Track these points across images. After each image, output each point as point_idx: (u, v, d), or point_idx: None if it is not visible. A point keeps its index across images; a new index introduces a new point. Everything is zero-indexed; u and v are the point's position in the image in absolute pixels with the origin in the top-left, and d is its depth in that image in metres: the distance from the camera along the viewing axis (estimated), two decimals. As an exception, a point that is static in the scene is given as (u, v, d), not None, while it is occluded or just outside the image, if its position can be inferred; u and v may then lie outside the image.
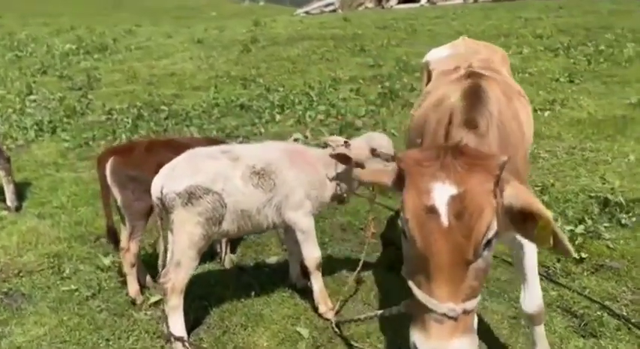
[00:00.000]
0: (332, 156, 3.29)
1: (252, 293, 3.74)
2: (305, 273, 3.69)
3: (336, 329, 3.31)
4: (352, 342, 3.19)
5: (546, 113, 7.27)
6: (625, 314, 3.26)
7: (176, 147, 3.77)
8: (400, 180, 1.76)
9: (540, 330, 2.70)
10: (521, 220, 1.67)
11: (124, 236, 3.70)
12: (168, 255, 3.12)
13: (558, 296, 3.54)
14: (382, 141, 3.46)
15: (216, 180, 3.01)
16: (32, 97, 9.58)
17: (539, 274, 3.48)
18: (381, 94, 8.59)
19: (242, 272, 4.07)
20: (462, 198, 1.57)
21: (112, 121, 8.18)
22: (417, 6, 25.15)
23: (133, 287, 3.69)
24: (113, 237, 3.77)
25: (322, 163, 3.43)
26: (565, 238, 1.64)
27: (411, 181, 1.67)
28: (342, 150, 3.31)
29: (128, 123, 8.00)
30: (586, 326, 3.21)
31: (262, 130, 7.29)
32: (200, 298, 3.73)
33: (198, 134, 7.29)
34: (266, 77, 10.52)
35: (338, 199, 3.55)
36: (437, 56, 3.28)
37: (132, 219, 3.57)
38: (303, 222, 3.36)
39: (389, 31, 14.25)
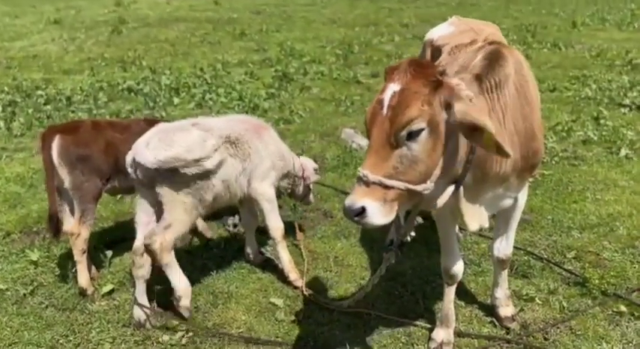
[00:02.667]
0: None
1: (212, 274, 3.68)
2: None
3: (309, 294, 3.42)
4: (326, 304, 3.33)
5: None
6: (545, 256, 3.85)
7: (120, 128, 3.59)
8: None
9: (505, 273, 3.13)
10: (472, 130, 2.04)
11: (69, 221, 3.39)
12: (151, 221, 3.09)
13: (488, 247, 4.04)
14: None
15: (193, 150, 2.95)
16: None
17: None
18: (276, 78, 8.69)
19: (192, 255, 3.96)
20: (399, 94, 2.00)
21: (-23, 108, 7.16)
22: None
23: (83, 276, 3.40)
24: (55, 224, 3.40)
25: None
26: (505, 145, 2.02)
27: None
28: None
29: (-1, 109, 7.08)
30: (517, 269, 3.73)
31: (163, 114, 6.96)
32: (155, 283, 3.57)
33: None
34: (147, 59, 9.96)
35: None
36: (442, 33, 3.41)
37: (82, 202, 3.34)
38: (268, 192, 3.45)
39: (264, 17, 14.31)
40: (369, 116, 2.08)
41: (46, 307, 3.33)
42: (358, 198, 1.97)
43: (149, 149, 2.92)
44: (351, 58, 10.05)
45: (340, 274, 3.69)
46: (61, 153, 3.29)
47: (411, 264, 3.73)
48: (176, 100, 7.53)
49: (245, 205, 3.72)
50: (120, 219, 4.44)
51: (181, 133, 3.03)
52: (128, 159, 3.01)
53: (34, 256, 3.77)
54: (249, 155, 3.28)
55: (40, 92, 7.73)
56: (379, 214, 1.99)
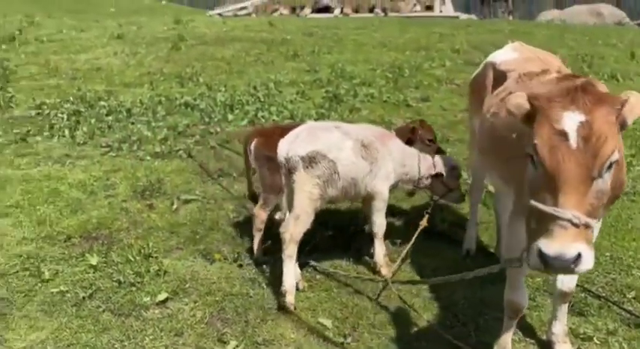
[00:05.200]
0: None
1: (262, 289, 3.73)
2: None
3: (392, 287, 3.60)
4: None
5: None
6: (604, 295, 3.71)
7: None
8: (529, 117, 2.06)
9: (566, 308, 3.04)
10: None
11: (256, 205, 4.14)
12: (286, 209, 3.71)
13: (544, 281, 3.93)
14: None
15: (331, 149, 3.52)
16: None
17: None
18: (326, 98, 8.81)
19: (243, 268, 4.02)
20: (590, 125, 1.88)
21: (44, 116, 7.55)
22: (331, 16, 25.93)
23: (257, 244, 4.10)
24: (253, 199, 4.42)
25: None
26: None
27: (543, 113, 1.99)
28: None
29: (63, 118, 7.44)
30: (573, 306, 3.61)
31: (218, 129, 7.14)
32: (207, 294, 3.65)
33: (147, 131, 6.97)
34: (203, 76, 10.28)
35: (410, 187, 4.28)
36: (505, 58, 3.44)
37: (265, 191, 4.06)
38: (385, 192, 3.92)
39: (316, 39, 14.53)
40: (547, 152, 1.92)
41: (103, 311, 3.45)
42: (571, 244, 1.81)
43: (297, 141, 3.53)
44: (401, 81, 10.07)
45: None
46: (255, 152, 4.07)
47: (464, 294, 3.67)
48: (230, 117, 7.71)
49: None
50: (175, 229, 4.56)
51: (325, 132, 3.64)
52: (280, 147, 3.58)
53: (94, 261, 3.92)
54: (376, 159, 3.76)
55: (102, 103, 8.08)
56: (592, 258, 1.87)
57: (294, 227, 3.49)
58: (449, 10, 25.58)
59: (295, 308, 3.47)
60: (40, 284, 3.72)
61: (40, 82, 9.47)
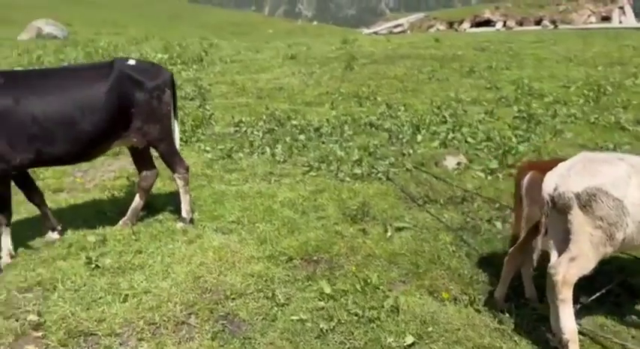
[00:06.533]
0: None
1: (511, 341, 3.28)
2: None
3: None
4: None
5: None
6: None
7: None
8: None
9: None
10: None
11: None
12: (553, 249, 3.17)
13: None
14: None
15: (617, 185, 3.00)
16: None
17: None
18: (520, 118, 8.12)
19: (480, 313, 3.62)
20: None
21: (242, 134, 7.95)
22: (492, 30, 24.73)
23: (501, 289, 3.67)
24: (515, 238, 3.76)
25: None
26: None
27: None
28: None
29: (259, 136, 7.76)
30: None
31: (410, 151, 6.87)
32: (455, 343, 3.29)
33: (340, 151, 6.94)
34: (380, 95, 10.18)
35: None
36: None
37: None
38: None
39: (490, 53, 13.78)
40: None
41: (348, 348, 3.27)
42: None
43: (570, 175, 3.08)
44: (603, 100, 8.98)
45: None
46: (528, 187, 3.60)
47: None
48: (419, 137, 7.42)
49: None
50: (393, 259, 4.33)
51: (608, 165, 3.12)
52: (546, 181, 3.18)
53: (327, 288, 3.79)
54: None
55: (294, 122, 8.31)
56: None
57: (568, 268, 3.05)
58: (630, 20, 22.95)
59: None
60: (276, 309, 3.69)
61: (232, 101, 10.09)
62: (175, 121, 4.83)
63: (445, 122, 8.07)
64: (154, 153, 4.93)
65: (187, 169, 4.93)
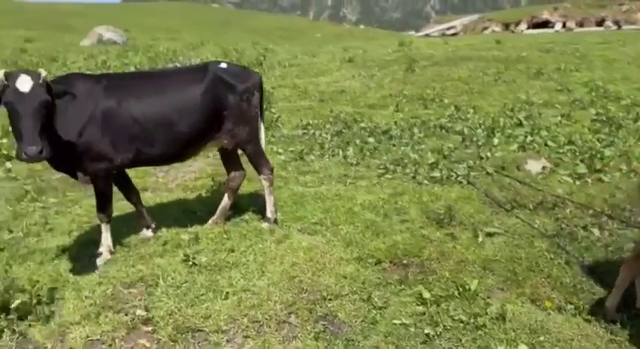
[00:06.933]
0: None
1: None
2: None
3: None
4: None
5: None
6: None
7: None
8: None
9: None
10: None
11: None
12: None
13: None
14: None
15: None
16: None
17: None
18: (599, 122, 7.80)
19: (590, 323, 3.45)
20: None
21: (310, 136, 7.96)
22: (552, 31, 23.98)
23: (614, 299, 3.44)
24: None
25: None
26: None
27: None
28: None
29: (328, 138, 7.75)
30: None
31: (488, 154, 6.69)
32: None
33: (414, 154, 6.84)
34: (446, 97, 10.01)
35: None
36: None
37: None
38: None
39: (555, 55, 13.35)
40: None
41: (456, 355, 3.18)
42: None
43: None
44: (688, 103, 8.53)
45: None
46: None
47: None
48: (495, 140, 7.23)
49: None
50: (488, 266, 4.19)
51: None
52: None
53: (426, 294, 3.71)
54: None
55: (362, 125, 8.26)
56: None
57: None
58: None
59: None
60: (374, 312, 3.62)
61: (295, 104, 10.15)
62: (262, 123, 4.86)
63: (521, 125, 7.84)
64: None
65: (272, 170, 4.94)
